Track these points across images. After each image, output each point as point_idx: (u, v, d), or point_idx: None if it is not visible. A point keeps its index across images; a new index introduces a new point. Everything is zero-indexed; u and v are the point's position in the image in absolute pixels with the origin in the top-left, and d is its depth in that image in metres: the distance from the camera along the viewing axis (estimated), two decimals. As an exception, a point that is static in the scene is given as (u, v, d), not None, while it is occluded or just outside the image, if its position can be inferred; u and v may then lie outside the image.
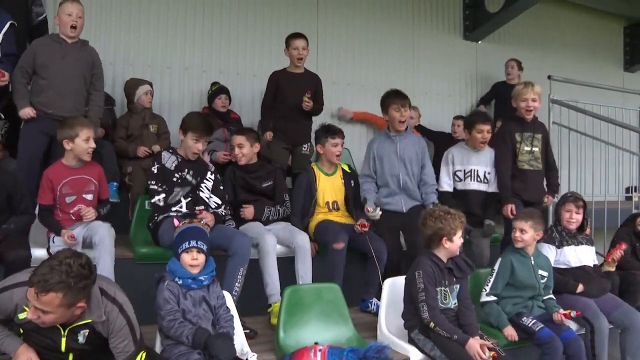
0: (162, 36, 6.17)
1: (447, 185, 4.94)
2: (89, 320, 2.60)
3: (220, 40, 6.47)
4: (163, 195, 4.07)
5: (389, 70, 7.11)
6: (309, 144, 5.54)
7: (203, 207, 4.19)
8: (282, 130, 5.38)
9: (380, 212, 4.55)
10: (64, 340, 2.61)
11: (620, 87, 8.64)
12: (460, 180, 4.91)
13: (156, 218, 4.08)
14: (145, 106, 5.29)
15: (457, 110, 7.49)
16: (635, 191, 6.97)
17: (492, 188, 4.87)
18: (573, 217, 4.44)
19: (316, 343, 3.31)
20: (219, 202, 4.29)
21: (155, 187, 4.10)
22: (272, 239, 4.18)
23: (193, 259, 3.21)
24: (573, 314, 3.93)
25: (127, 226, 4.55)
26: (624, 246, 4.70)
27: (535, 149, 4.88)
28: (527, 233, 4.04)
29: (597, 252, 4.77)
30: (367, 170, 4.86)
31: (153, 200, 4.09)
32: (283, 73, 5.45)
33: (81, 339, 2.62)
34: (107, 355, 2.70)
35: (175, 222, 3.51)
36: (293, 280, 4.23)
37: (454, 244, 3.58)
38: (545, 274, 4.12)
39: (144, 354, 2.73)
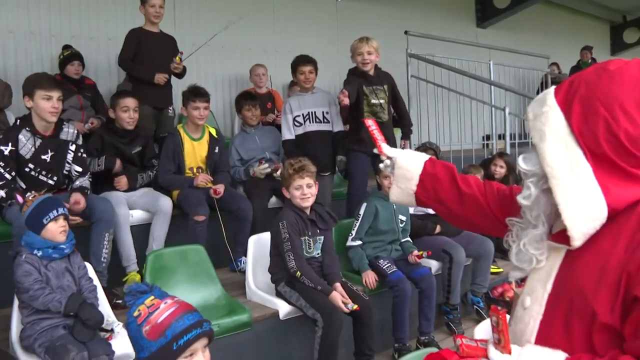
0: (1, -2, 5.68)
1: (288, 133, 5.02)
2: None
3: (69, 2, 6.05)
4: (4, 191, 3.64)
5: (249, 31, 7.06)
6: (172, 107, 5.37)
7: (67, 181, 3.97)
8: (144, 93, 4.96)
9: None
10: None
11: (474, 42, 9.14)
12: (301, 124, 4.99)
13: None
14: None
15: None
16: (499, 139, 7.19)
17: (337, 127, 5.04)
18: None
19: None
20: (80, 169, 4.00)
21: (2, 170, 3.67)
22: (124, 210, 4.10)
23: (61, 227, 3.07)
24: (424, 254, 4.14)
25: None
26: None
27: (382, 101, 4.99)
28: None
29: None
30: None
31: None
32: (142, 32, 5.10)
33: None
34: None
35: (19, 198, 3.24)
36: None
37: (292, 195, 3.64)
38: (404, 218, 4.33)
39: None
